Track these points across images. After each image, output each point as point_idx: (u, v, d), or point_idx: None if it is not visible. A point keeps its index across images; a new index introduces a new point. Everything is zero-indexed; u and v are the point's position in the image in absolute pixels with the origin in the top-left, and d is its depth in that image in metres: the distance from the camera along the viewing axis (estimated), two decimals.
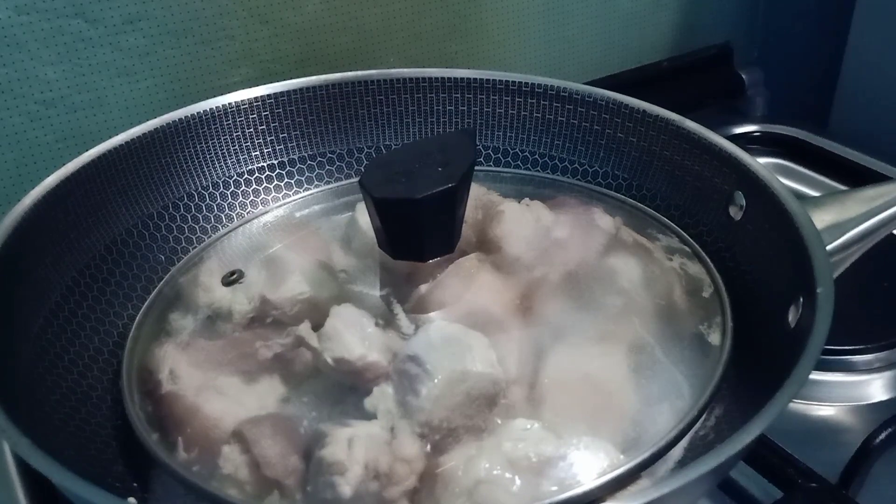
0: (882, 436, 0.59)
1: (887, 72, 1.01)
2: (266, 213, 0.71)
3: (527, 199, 0.72)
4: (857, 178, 0.93)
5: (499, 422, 0.49)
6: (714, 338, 0.59)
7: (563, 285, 0.62)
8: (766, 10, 1.15)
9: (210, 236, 0.69)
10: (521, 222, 0.66)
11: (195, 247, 0.67)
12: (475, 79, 0.72)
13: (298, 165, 0.73)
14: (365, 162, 0.74)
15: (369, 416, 0.49)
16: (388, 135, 0.74)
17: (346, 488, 0.43)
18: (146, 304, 0.63)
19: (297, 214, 0.73)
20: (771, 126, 1.06)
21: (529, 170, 0.73)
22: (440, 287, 0.61)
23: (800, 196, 0.57)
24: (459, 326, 0.53)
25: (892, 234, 0.59)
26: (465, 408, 0.49)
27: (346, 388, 0.51)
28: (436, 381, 0.48)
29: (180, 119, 0.66)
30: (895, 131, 0.99)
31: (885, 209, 0.56)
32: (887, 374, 0.67)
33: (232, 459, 0.47)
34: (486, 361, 0.50)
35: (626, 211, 0.69)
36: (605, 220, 0.68)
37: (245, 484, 0.47)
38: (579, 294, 0.61)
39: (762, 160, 0.80)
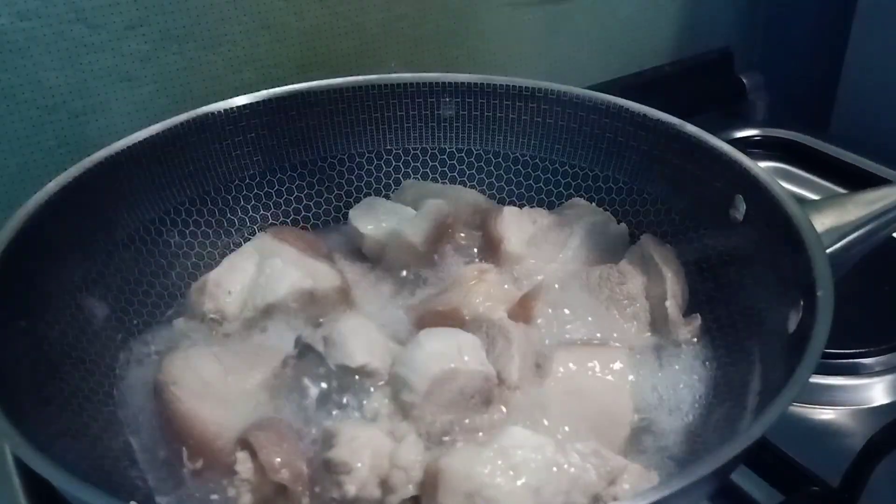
0: (883, 439, 0.59)
1: (887, 76, 1.01)
2: (268, 216, 0.72)
3: (525, 204, 0.72)
4: (858, 181, 0.93)
5: (498, 424, 0.50)
6: (715, 341, 0.59)
7: (564, 289, 0.62)
8: (767, 15, 1.16)
9: (211, 240, 0.69)
10: (520, 225, 0.67)
11: (196, 251, 0.68)
12: (476, 83, 0.72)
13: (300, 170, 0.73)
14: (366, 167, 0.74)
15: (371, 419, 0.50)
16: (388, 139, 0.74)
17: (351, 487, 0.44)
18: (147, 308, 0.63)
19: (299, 218, 0.73)
20: (771, 130, 1.06)
21: (530, 174, 0.73)
22: (443, 293, 0.61)
23: (800, 199, 0.57)
24: (451, 329, 0.53)
25: (893, 237, 0.59)
26: (461, 406, 0.49)
27: (348, 392, 0.51)
28: (426, 379, 0.49)
29: (182, 124, 0.66)
30: (894, 135, 0.99)
31: (886, 212, 0.56)
32: (889, 378, 0.67)
33: (238, 465, 0.47)
34: (476, 360, 0.51)
35: (626, 214, 0.69)
36: (606, 225, 0.68)
37: (251, 488, 0.47)
38: (580, 298, 0.61)
39: (763, 164, 0.80)
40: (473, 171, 0.75)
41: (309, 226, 0.73)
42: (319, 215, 0.74)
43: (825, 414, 0.65)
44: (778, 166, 1.01)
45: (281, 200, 0.72)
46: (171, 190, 0.66)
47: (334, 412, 0.51)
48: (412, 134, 0.74)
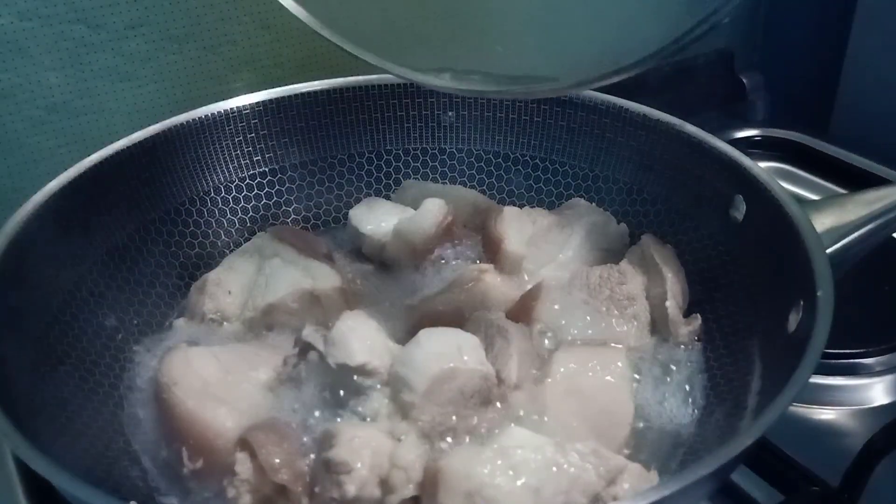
0: (883, 439, 0.59)
1: (887, 76, 1.01)
2: (268, 216, 0.72)
3: (525, 204, 0.72)
4: (858, 181, 0.93)
5: (497, 424, 0.50)
6: (715, 341, 0.59)
7: (564, 289, 0.62)
8: (767, 15, 1.16)
9: (211, 240, 0.69)
10: (520, 225, 0.67)
11: (196, 251, 0.68)
12: None
13: (300, 170, 0.73)
14: (366, 167, 0.74)
15: (371, 419, 0.50)
16: (388, 139, 0.74)
17: (351, 487, 0.44)
18: (147, 308, 0.63)
19: (299, 218, 0.73)
20: (771, 130, 1.06)
21: (530, 174, 0.73)
22: (443, 293, 0.61)
23: (800, 199, 0.57)
24: (451, 329, 0.53)
25: (893, 237, 0.59)
26: (461, 405, 0.49)
27: (348, 392, 0.51)
28: (426, 379, 0.49)
29: (182, 124, 0.66)
30: (894, 135, 0.99)
31: (885, 212, 0.56)
32: (889, 378, 0.67)
33: (238, 465, 0.47)
34: (476, 359, 0.51)
35: (626, 214, 0.69)
36: (606, 225, 0.68)
37: (251, 488, 0.47)
38: (580, 298, 0.61)
39: (763, 164, 0.80)
40: (473, 171, 0.75)
41: (309, 226, 0.73)
42: (319, 215, 0.74)
43: (825, 414, 0.65)
44: (778, 166, 1.01)
45: (281, 200, 0.72)
46: (171, 190, 0.67)
47: (334, 412, 0.51)
48: (412, 134, 0.74)
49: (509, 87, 0.53)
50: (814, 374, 0.43)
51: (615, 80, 0.48)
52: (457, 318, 0.58)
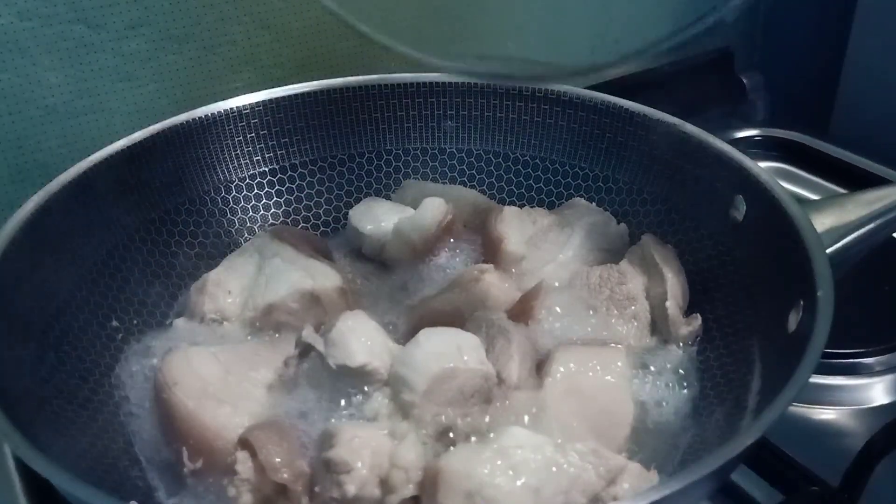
0: (884, 439, 0.59)
1: (887, 76, 1.01)
2: (268, 216, 0.72)
3: (525, 204, 0.72)
4: (858, 181, 0.93)
5: (497, 424, 0.50)
6: (715, 341, 0.59)
7: (564, 288, 0.62)
8: (767, 15, 1.16)
9: (211, 240, 0.69)
10: (520, 225, 0.67)
11: (196, 251, 0.68)
12: (476, 83, 0.72)
13: (300, 170, 0.73)
14: (366, 167, 0.74)
15: (371, 419, 0.50)
16: (388, 139, 0.74)
17: (351, 487, 0.44)
18: (147, 308, 0.63)
19: (299, 218, 0.73)
20: (771, 130, 1.06)
21: (530, 174, 0.73)
22: (443, 293, 0.61)
23: (800, 199, 0.57)
24: (451, 329, 0.53)
25: (893, 237, 0.59)
26: (461, 404, 0.49)
27: (348, 392, 0.51)
28: (426, 378, 0.49)
29: (182, 124, 0.66)
30: (894, 135, 0.99)
31: (885, 212, 0.56)
32: (889, 378, 0.67)
33: (238, 464, 0.47)
34: (476, 359, 0.51)
35: (626, 214, 0.69)
36: (606, 225, 0.68)
37: (251, 488, 0.47)
38: (580, 297, 0.61)
39: (763, 164, 0.80)
40: (473, 171, 0.75)
41: (309, 226, 0.73)
42: (319, 215, 0.74)
43: (825, 414, 0.65)
44: (778, 166, 1.01)
45: (281, 200, 0.72)
46: (170, 190, 0.66)
47: (334, 412, 0.51)
48: (412, 134, 0.74)
49: (519, 72, 0.52)
50: (814, 374, 0.43)
51: (614, 70, 0.48)
52: (457, 318, 0.58)
